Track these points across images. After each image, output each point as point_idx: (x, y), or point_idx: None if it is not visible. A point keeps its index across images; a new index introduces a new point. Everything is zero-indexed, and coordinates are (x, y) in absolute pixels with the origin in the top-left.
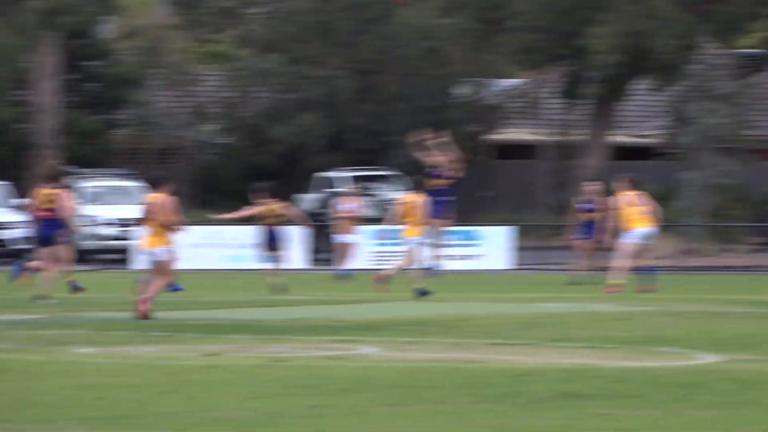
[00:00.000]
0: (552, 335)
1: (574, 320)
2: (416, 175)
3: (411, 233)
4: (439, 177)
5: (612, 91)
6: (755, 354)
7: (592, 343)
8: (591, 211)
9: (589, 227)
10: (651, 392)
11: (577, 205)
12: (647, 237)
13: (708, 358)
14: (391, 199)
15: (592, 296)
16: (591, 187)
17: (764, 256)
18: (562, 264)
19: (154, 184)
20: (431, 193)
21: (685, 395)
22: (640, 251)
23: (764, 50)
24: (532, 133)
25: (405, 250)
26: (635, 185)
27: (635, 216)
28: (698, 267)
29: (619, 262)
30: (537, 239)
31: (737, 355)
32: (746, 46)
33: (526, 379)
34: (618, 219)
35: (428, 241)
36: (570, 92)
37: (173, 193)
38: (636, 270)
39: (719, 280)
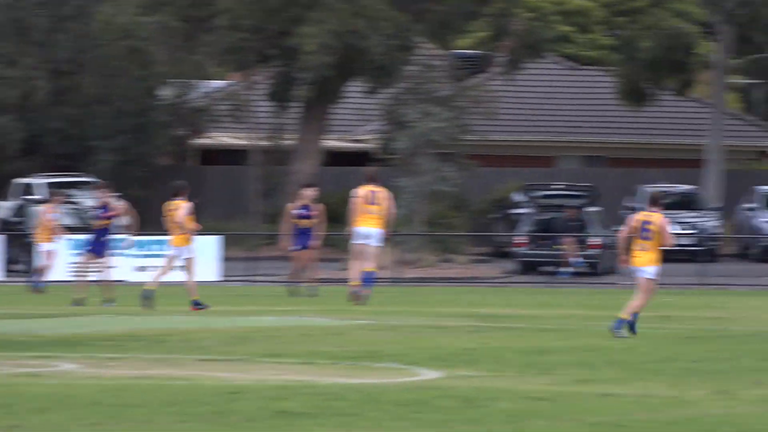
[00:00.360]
0: (264, 350)
1: (287, 335)
2: (178, 181)
3: (177, 242)
4: (105, 217)
5: (324, 94)
6: (477, 369)
7: (307, 358)
8: (307, 217)
9: (305, 234)
10: (368, 410)
11: (294, 212)
12: (368, 237)
13: (428, 375)
14: (91, 207)
15: (307, 309)
16: (308, 193)
17: (484, 267)
18: (273, 275)
19: None
20: (97, 231)
21: (404, 413)
22: (362, 252)
23: (482, 51)
24: (241, 137)
25: (169, 258)
26: (375, 180)
27: (364, 213)
28: (417, 278)
29: (352, 265)
30: (246, 249)
31: (458, 371)
32: (463, 46)
33: (237, 396)
34: (350, 212)
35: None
36: (280, 94)
37: None
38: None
39: (438, 292)
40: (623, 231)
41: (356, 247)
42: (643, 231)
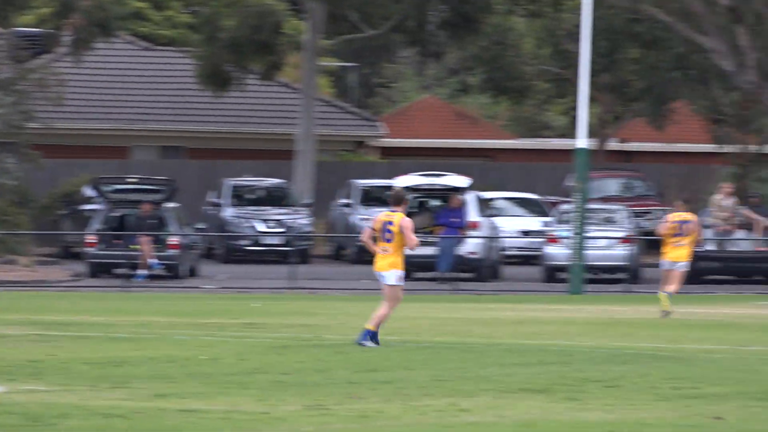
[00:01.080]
0: None
1: None
2: None
3: None
4: None
5: None
6: (43, 383)
7: None
8: None
9: None
10: None
11: None
12: None
13: None
14: None
15: None
16: None
17: (51, 269)
18: None
19: None
20: None
21: None
22: None
23: (46, 29)
24: None
25: None
26: None
27: None
28: None
29: None
30: None
31: (22, 385)
32: (25, 24)
33: None
34: None
35: None
36: None
37: None
38: None
39: None
40: (366, 231)
41: None
42: (385, 232)
